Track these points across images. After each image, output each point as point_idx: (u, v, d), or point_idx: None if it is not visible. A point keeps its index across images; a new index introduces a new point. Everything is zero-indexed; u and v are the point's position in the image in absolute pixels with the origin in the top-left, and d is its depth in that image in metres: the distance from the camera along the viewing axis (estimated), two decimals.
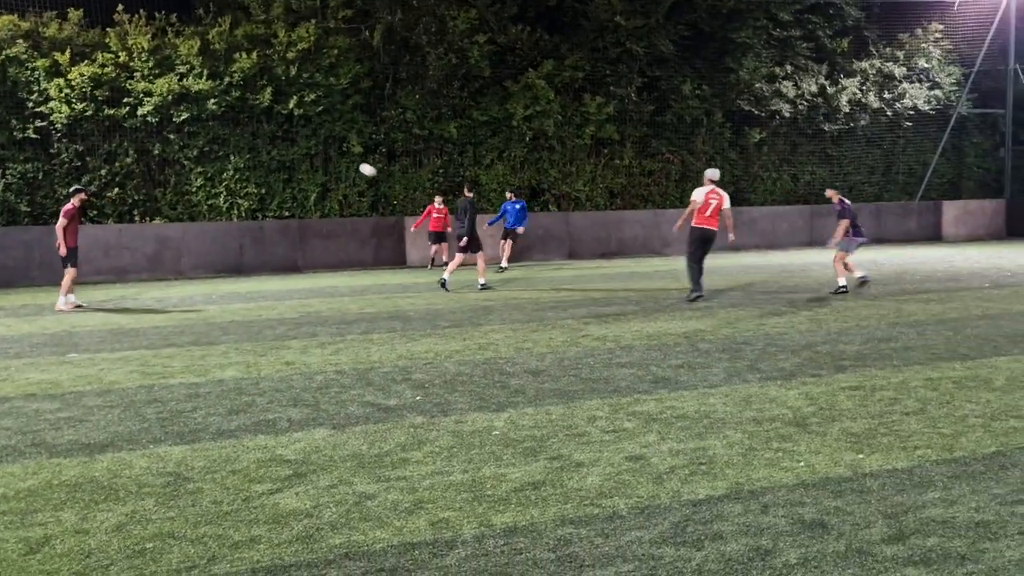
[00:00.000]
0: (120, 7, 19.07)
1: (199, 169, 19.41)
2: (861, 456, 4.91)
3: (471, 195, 14.60)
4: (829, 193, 13.32)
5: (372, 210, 20.84)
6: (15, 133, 18.23)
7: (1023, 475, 4.54)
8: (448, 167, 21.32)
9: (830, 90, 24.99)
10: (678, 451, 5.09)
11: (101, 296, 15.21)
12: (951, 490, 4.33)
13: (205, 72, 18.94)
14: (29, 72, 18.22)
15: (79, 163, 18.78)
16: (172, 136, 19.13)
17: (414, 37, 20.49)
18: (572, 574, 3.49)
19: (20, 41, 18.15)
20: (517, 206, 17.89)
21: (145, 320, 11.71)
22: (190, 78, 18.87)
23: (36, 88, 18.29)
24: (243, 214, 19.72)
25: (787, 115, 24.48)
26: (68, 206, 13.03)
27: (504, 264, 18.29)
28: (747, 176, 24.57)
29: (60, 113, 18.25)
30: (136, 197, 19.19)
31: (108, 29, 18.90)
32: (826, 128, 25.31)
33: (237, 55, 19.13)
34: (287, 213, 20.13)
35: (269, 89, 19.27)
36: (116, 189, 18.99)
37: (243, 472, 4.87)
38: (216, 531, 3.99)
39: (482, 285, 14.39)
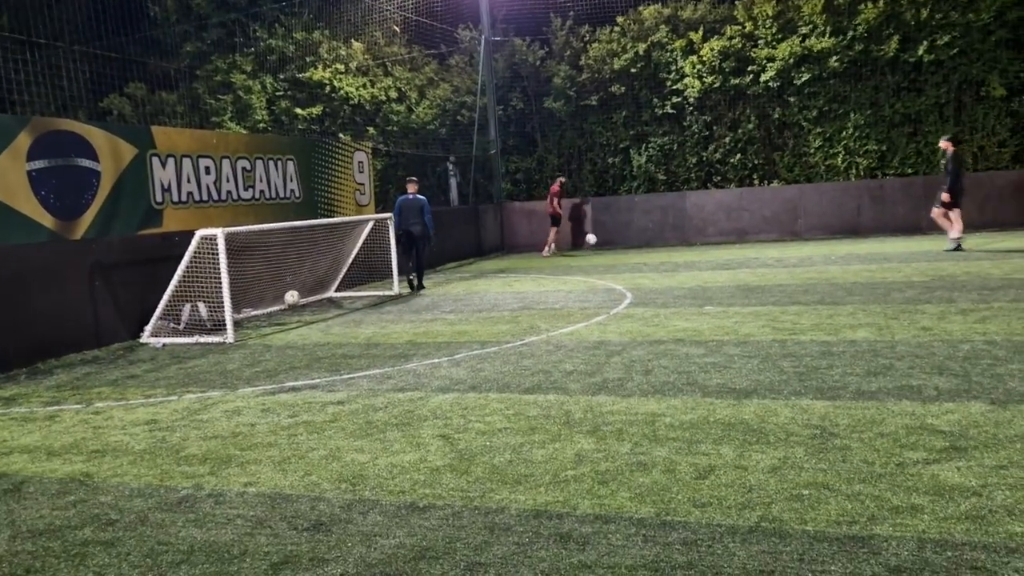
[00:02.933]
0: None
1: (817, 130, 19.29)
2: None
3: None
4: None
5: (1016, 162, 18.02)
6: (656, 110, 20.65)
7: None
8: None
9: None
10: None
11: (725, 255, 16.34)
12: None
13: (828, 29, 18.65)
14: (668, 53, 20.37)
15: (707, 133, 20.38)
16: (792, 99, 19.37)
17: None
18: None
19: (662, 27, 20.37)
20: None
21: (768, 278, 12.17)
22: (812, 38, 18.80)
23: (673, 67, 20.36)
24: (861, 173, 19.00)
25: None
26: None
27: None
28: None
29: (693, 88, 20.01)
30: (756, 161, 20.04)
31: (736, 2, 19.93)
32: None
33: (861, 6, 18.35)
34: (910, 170, 18.72)
35: (896, 37, 18.05)
36: (738, 155, 20.10)
37: (891, 436, 4.66)
38: (872, 491, 3.89)
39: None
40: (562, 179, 19.74)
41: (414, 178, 13.95)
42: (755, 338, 7.74)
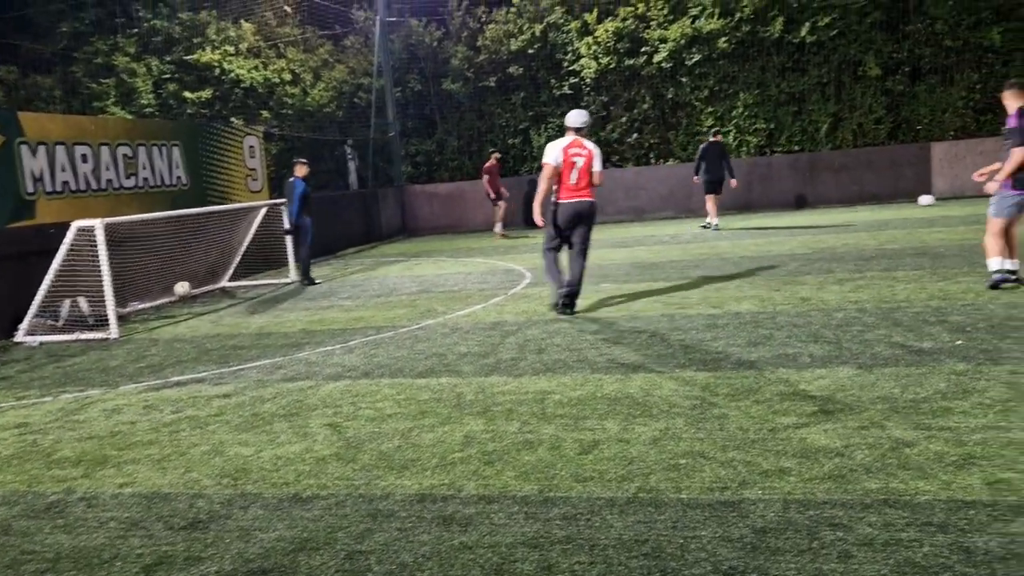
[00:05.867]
0: None
1: (709, 109, 19.82)
2: None
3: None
4: None
5: (891, 138, 19.00)
6: (554, 91, 20.79)
7: None
8: (988, 81, 18.29)
9: None
10: None
11: (623, 233, 16.66)
12: None
13: (716, 11, 19.13)
14: (564, 35, 20.51)
15: (604, 113, 20.65)
16: (684, 79, 19.82)
17: None
18: None
19: (558, 8, 20.48)
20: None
21: (663, 254, 12.48)
22: (702, 19, 19.26)
23: (570, 48, 20.53)
24: (751, 151, 19.65)
25: None
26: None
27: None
28: None
29: (589, 69, 20.23)
30: (652, 140, 20.45)
31: None
32: None
33: None
34: (796, 147, 19.49)
35: (780, 19, 18.69)
36: (635, 135, 20.47)
37: (767, 403, 4.86)
38: (745, 457, 4.05)
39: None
40: (497, 155, 18.83)
41: (301, 160, 12.59)
42: (646, 313, 7.93)
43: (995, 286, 7.56)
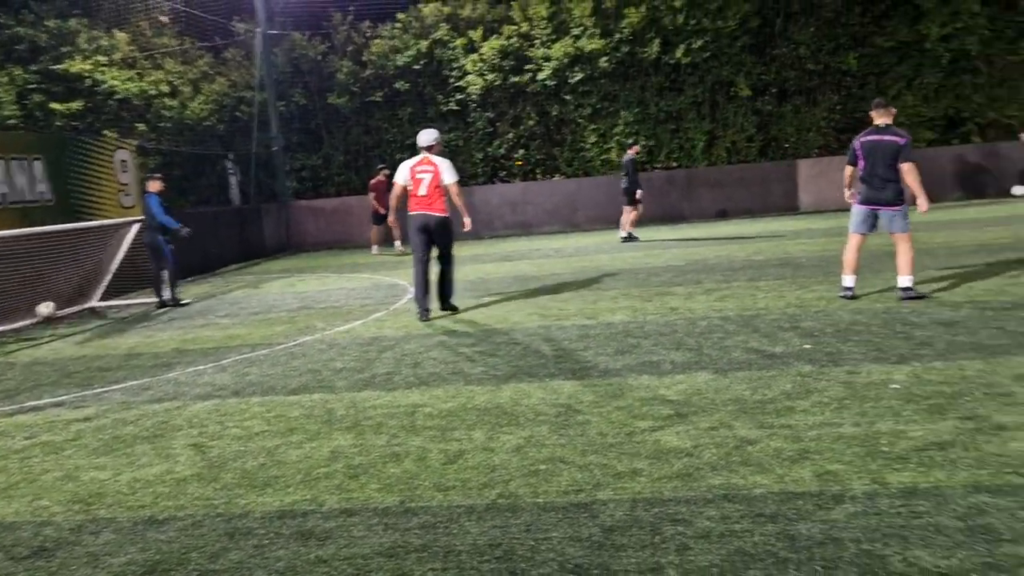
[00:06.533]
0: None
1: (592, 126, 20.39)
2: None
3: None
4: None
5: (761, 155, 20.05)
6: (441, 107, 20.90)
7: None
8: (847, 102, 19.60)
9: None
10: None
11: (509, 248, 16.88)
12: None
13: (597, 32, 19.73)
14: (450, 51, 20.68)
15: (490, 129, 20.92)
16: (568, 97, 20.32)
17: None
18: (985, 547, 3.04)
19: (443, 25, 20.65)
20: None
21: (546, 267, 12.73)
22: (584, 39, 19.81)
23: (456, 65, 20.71)
24: None
25: None
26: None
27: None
28: None
29: (475, 85, 20.46)
30: (538, 156, 20.85)
31: (513, 2, 20.58)
32: None
33: (626, 11, 19.59)
34: (674, 163, 20.27)
35: (657, 41, 19.45)
36: (521, 151, 20.81)
37: (627, 408, 5.06)
38: (601, 460, 4.22)
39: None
40: (386, 171, 17.81)
41: (155, 175, 12.05)
42: (523, 325, 8.09)
43: (845, 298, 8.05)
